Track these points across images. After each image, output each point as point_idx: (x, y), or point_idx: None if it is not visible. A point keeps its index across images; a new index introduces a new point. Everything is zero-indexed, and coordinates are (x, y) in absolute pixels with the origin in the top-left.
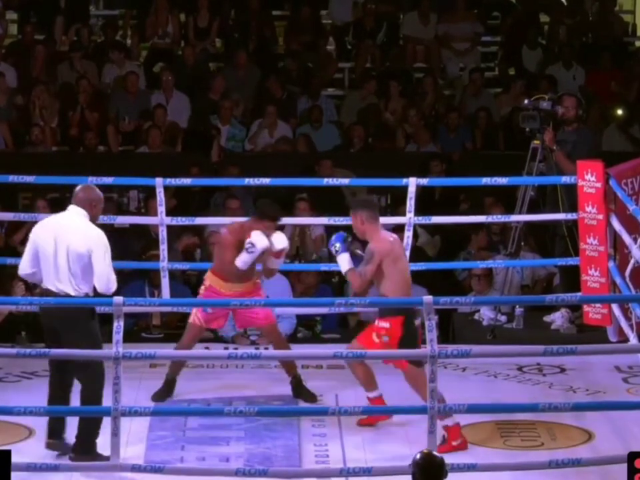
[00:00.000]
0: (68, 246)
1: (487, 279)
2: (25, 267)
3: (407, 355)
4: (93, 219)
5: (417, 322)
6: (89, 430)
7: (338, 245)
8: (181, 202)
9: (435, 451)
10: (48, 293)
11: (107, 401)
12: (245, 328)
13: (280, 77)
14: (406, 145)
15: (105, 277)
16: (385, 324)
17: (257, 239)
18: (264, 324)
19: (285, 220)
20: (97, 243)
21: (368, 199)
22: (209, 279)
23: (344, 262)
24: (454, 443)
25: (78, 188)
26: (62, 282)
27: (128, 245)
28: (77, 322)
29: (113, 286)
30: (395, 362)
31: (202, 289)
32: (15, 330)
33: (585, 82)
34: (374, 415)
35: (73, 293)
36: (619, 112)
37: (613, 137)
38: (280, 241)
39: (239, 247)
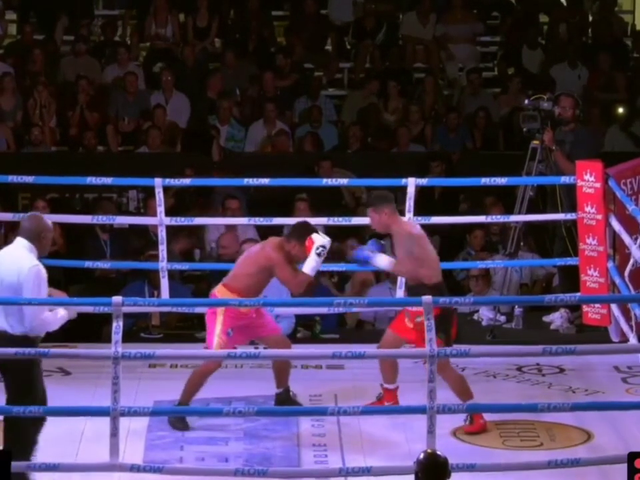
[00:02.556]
0: (2, 277)
1: (485, 280)
2: None
3: (406, 355)
4: (41, 251)
5: None
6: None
7: (374, 248)
8: (179, 202)
9: (436, 448)
10: None
11: (106, 400)
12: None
13: (278, 75)
14: (395, 145)
15: (30, 314)
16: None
17: (323, 240)
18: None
19: (285, 220)
20: (27, 276)
21: (385, 193)
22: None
23: (383, 259)
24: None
25: (24, 217)
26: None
27: (127, 245)
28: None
29: (41, 326)
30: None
31: (219, 312)
32: None
33: (587, 82)
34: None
35: (9, 331)
36: (620, 110)
37: (615, 137)
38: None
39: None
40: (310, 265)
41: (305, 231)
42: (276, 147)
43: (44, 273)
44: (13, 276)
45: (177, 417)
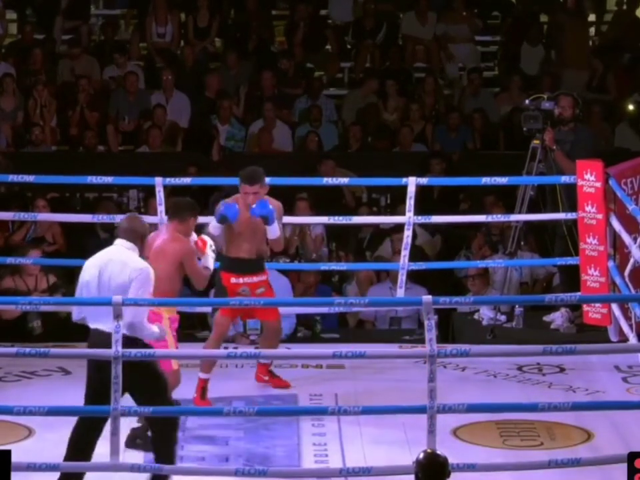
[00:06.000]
0: (110, 278)
1: (483, 279)
2: (75, 312)
3: (406, 355)
4: (140, 253)
5: None
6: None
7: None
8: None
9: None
10: (99, 334)
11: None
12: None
13: (278, 75)
14: (397, 145)
15: (131, 313)
16: (263, 277)
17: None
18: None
19: (285, 219)
20: (138, 277)
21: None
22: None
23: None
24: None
25: (122, 219)
26: (110, 319)
27: None
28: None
29: (140, 326)
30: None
31: None
32: (22, 326)
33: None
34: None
35: (127, 333)
36: (630, 107)
37: (625, 134)
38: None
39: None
40: (211, 262)
41: (184, 210)
42: (260, 144)
43: (153, 275)
44: (123, 276)
45: None
